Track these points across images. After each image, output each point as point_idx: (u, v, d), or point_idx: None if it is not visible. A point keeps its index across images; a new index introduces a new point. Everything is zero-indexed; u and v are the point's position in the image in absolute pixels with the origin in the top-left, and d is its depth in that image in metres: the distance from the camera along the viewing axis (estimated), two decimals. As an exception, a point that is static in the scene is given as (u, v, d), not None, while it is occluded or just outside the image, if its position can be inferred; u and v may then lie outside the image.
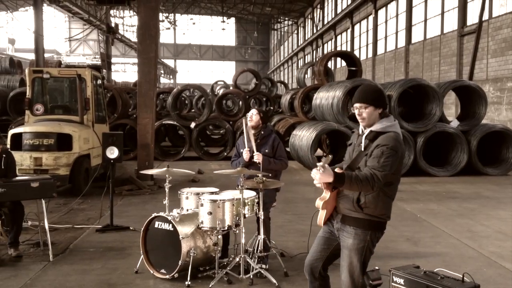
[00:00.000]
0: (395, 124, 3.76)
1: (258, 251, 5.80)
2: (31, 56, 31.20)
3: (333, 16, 43.76)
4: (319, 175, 3.47)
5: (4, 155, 6.58)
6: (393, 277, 4.28)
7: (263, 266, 5.74)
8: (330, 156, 3.65)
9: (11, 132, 10.58)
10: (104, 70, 28.47)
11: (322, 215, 3.81)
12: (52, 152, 10.31)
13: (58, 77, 11.88)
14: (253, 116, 6.29)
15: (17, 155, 8.95)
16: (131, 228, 7.90)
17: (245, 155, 6.16)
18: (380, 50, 34.25)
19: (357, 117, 3.80)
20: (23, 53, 41.51)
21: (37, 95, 11.61)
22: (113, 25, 32.60)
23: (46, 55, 26.23)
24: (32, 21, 25.43)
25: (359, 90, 3.84)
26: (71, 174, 10.39)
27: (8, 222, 6.83)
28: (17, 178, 6.68)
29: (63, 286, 5.56)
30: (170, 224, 5.68)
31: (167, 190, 6.01)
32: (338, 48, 42.64)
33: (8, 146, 9.03)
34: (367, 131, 3.77)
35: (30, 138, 10.34)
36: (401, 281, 4.22)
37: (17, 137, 10.37)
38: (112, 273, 5.98)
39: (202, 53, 77.26)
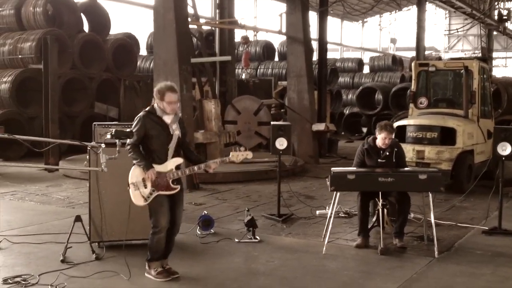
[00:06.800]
0: None
1: None
2: (410, 54, 31.97)
3: None
4: None
5: (396, 149, 6.64)
6: None
7: None
8: None
9: (396, 124, 10.75)
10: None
11: None
12: (435, 145, 10.06)
13: (443, 70, 11.58)
14: None
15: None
16: (523, 234, 7.03)
17: None
18: None
19: None
20: (403, 52, 42.92)
21: (421, 88, 11.56)
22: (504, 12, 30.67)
23: (425, 52, 26.35)
24: (413, 20, 25.98)
25: None
26: (453, 170, 9.96)
27: (393, 212, 6.89)
28: (405, 169, 6.66)
29: (450, 286, 5.23)
30: None
31: None
32: None
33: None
34: None
35: (413, 130, 10.33)
36: None
37: (401, 130, 10.48)
38: (504, 282, 5.36)
39: None
